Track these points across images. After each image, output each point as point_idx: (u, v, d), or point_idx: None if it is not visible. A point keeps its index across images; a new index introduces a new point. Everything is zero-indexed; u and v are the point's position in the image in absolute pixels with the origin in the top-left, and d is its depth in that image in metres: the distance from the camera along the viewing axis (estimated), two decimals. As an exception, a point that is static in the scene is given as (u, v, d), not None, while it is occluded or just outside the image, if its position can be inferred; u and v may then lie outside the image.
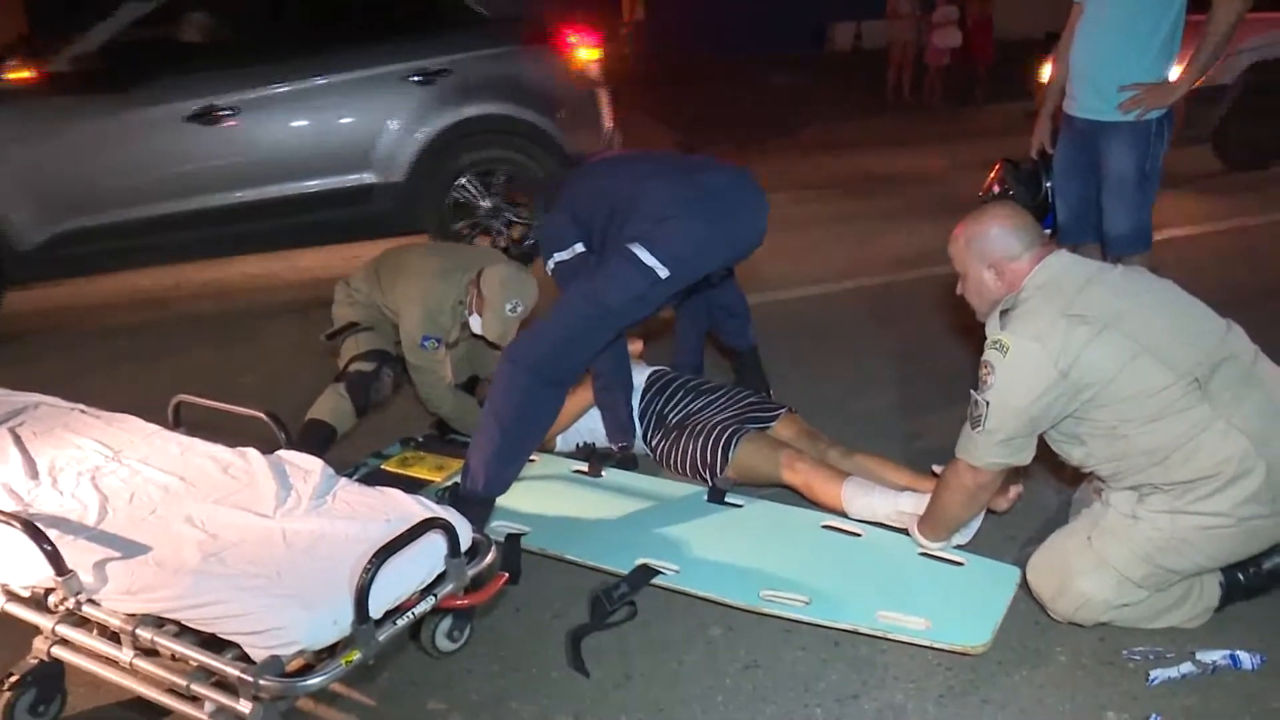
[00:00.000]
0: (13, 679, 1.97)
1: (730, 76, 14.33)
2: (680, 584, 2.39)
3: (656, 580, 2.40)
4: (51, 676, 2.02)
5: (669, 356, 3.40)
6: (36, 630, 2.00)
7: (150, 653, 1.86)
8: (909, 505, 2.50)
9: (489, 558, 2.09)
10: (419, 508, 2.08)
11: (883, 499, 2.56)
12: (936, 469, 2.50)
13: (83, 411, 2.58)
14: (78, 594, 1.87)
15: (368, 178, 4.94)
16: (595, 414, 3.07)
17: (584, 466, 3.01)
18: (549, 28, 5.19)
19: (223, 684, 1.79)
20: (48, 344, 4.74)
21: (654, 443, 2.99)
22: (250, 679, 1.70)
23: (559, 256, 2.82)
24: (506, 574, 2.18)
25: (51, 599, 1.92)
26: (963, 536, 2.43)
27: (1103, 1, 3.23)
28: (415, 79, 4.90)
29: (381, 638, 1.83)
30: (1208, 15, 3.14)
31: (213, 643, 1.80)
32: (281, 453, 2.35)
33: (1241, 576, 2.20)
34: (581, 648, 2.19)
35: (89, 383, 3.96)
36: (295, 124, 4.88)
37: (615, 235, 2.62)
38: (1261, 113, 6.84)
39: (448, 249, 3.26)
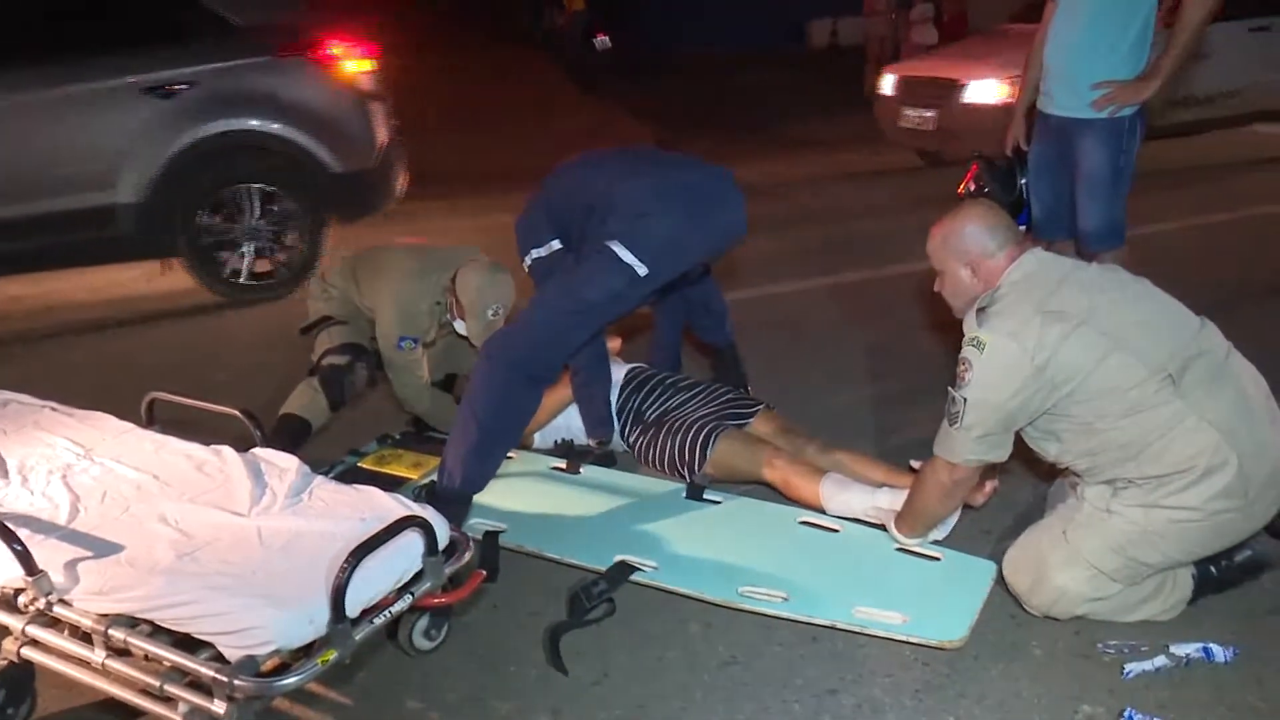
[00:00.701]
0: (-18, 680, 1.94)
1: (707, 71, 14.31)
2: (659, 580, 2.39)
3: (635, 577, 2.40)
4: (21, 678, 1.99)
5: (647, 353, 3.39)
6: (6, 631, 1.96)
7: (123, 653, 1.84)
8: (886, 501, 2.52)
9: (466, 555, 2.08)
10: (396, 506, 2.07)
11: (860, 495, 2.57)
12: (915, 465, 2.51)
13: (54, 409, 2.55)
14: (48, 594, 1.84)
15: (107, 198, 4.57)
16: (573, 410, 3.06)
17: (562, 463, 3.00)
18: (309, 37, 4.88)
19: (197, 685, 1.76)
20: None
21: (632, 439, 2.99)
22: (225, 679, 1.68)
23: (536, 253, 2.81)
24: (484, 572, 2.17)
25: (21, 599, 1.89)
26: (939, 532, 2.45)
27: None
28: (155, 92, 4.56)
29: (358, 637, 1.82)
30: (1178, 13, 3.17)
31: (187, 643, 1.78)
32: (257, 450, 2.33)
33: (1214, 570, 2.23)
34: (560, 645, 2.19)
35: None
36: (24, 139, 4.46)
37: (594, 233, 2.61)
38: None
39: (425, 249, 3.23)
